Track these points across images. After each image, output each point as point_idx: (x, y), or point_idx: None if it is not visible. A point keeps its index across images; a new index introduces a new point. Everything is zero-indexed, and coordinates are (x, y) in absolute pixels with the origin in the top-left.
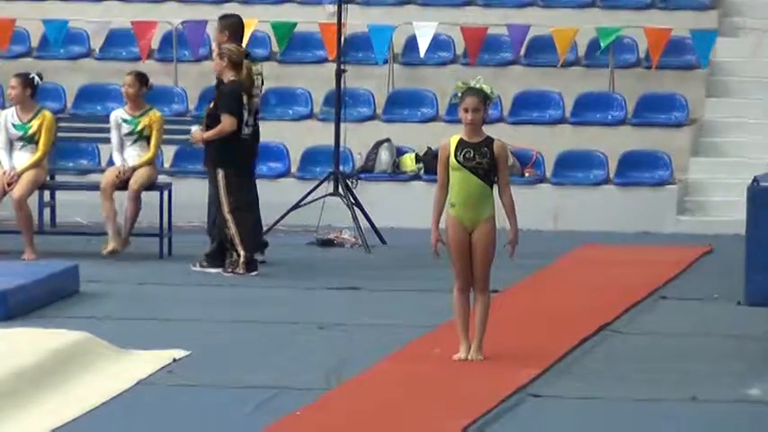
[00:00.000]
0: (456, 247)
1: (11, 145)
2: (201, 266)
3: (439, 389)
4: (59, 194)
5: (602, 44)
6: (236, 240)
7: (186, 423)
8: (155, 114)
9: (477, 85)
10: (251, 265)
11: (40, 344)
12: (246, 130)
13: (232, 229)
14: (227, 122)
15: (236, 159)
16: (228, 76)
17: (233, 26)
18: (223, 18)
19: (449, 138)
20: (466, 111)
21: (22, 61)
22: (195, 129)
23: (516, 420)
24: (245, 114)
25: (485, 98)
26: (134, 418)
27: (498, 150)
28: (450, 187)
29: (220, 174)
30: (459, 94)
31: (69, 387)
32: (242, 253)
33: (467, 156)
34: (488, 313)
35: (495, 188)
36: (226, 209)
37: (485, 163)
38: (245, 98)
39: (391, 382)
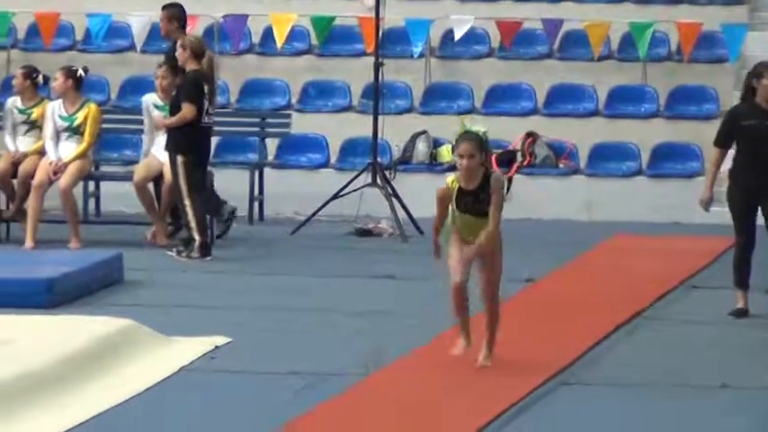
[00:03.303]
0: (458, 246)
1: (57, 136)
2: (179, 253)
3: (469, 380)
4: (104, 185)
5: (635, 39)
6: (192, 224)
7: (228, 408)
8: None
9: (473, 129)
10: (205, 250)
11: (85, 331)
12: (207, 119)
13: (189, 214)
14: (187, 110)
15: (195, 146)
16: (191, 66)
17: (179, 15)
18: (167, 7)
19: (447, 180)
20: (461, 156)
21: (67, 54)
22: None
23: (549, 408)
24: (206, 103)
25: (480, 143)
26: (177, 404)
27: (494, 185)
28: (451, 217)
29: (179, 159)
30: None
31: (114, 373)
32: (197, 238)
33: (467, 206)
34: (499, 320)
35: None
36: (184, 193)
37: (483, 207)
38: (206, 87)
39: (421, 372)
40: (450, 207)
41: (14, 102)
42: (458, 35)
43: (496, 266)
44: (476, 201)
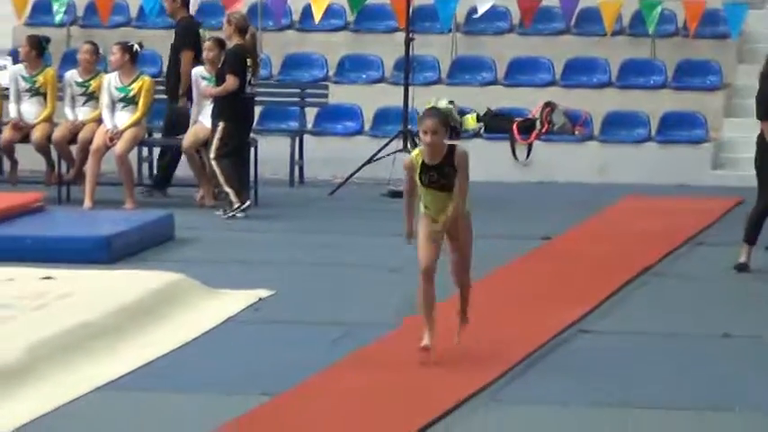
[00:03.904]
0: (427, 233)
1: (113, 106)
2: (224, 213)
3: (492, 325)
4: (156, 151)
5: (645, 16)
6: (225, 187)
7: (271, 356)
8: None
9: (439, 105)
10: (240, 205)
11: (139, 284)
12: (249, 90)
13: (219, 176)
14: (230, 81)
15: (237, 115)
16: (235, 40)
17: None
18: None
19: (413, 153)
20: (425, 133)
21: (123, 30)
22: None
23: (569, 350)
24: (249, 75)
25: (444, 119)
26: (224, 352)
27: (458, 160)
28: (420, 195)
29: (220, 125)
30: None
31: (166, 323)
32: (233, 198)
33: (431, 179)
34: (470, 296)
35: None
36: (212, 155)
37: (450, 180)
38: (248, 60)
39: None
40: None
41: (72, 75)
42: (481, 13)
43: (465, 247)
44: (441, 175)
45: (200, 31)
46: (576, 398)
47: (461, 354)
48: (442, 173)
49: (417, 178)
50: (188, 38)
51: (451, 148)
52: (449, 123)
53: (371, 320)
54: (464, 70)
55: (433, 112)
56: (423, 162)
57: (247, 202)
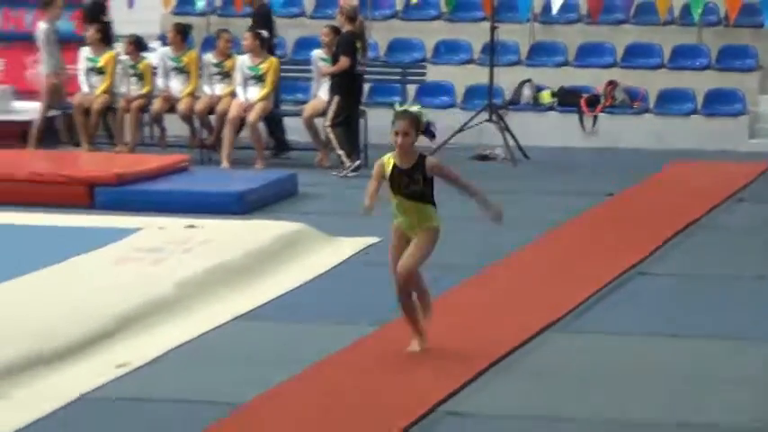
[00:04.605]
0: (394, 253)
1: (245, 83)
2: (340, 173)
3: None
4: (284, 120)
5: (692, 8)
6: (339, 150)
7: (377, 293)
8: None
9: (412, 110)
10: (351, 166)
11: (268, 232)
12: (359, 69)
13: (334, 142)
14: (343, 62)
15: (349, 90)
16: (347, 27)
17: None
18: None
19: (385, 157)
20: (396, 134)
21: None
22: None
23: (629, 290)
24: (358, 56)
25: (415, 121)
26: (338, 289)
27: (431, 170)
28: (392, 205)
29: (335, 99)
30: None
31: (290, 264)
32: (346, 161)
33: (401, 185)
34: (430, 308)
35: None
36: (328, 123)
37: (418, 188)
38: (358, 44)
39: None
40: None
41: (210, 57)
42: (555, 6)
43: (417, 251)
44: (411, 181)
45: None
46: (635, 329)
47: (544, 285)
48: (412, 178)
49: (388, 182)
50: (263, 22)
51: (422, 156)
52: (419, 126)
53: (460, 265)
54: (540, 53)
55: (405, 114)
56: (394, 165)
57: (357, 163)
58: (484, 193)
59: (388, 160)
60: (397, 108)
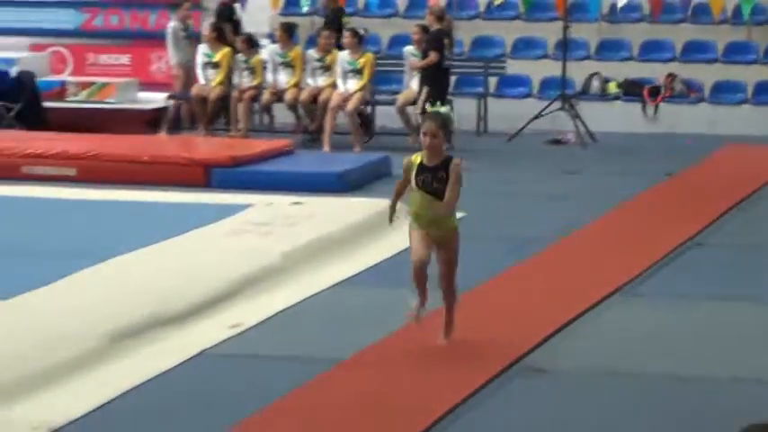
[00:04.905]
0: (419, 234)
1: (345, 75)
2: None
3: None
4: (379, 109)
5: (743, 9)
6: None
7: (462, 260)
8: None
9: (441, 110)
10: None
11: (365, 208)
12: (446, 63)
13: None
14: (432, 56)
15: (437, 81)
16: (435, 26)
17: None
18: None
19: (413, 156)
20: (425, 135)
21: (352, 19)
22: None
23: (687, 259)
24: (446, 51)
25: (443, 123)
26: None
27: (453, 168)
28: (410, 199)
29: (425, 89)
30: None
31: (384, 236)
32: None
33: (425, 181)
34: (455, 309)
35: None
36: (418, 110)
37: (441, 186)
38: (445, 41)
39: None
40: (411, 183)
41: (312, 53)
42: (620, 6)
43: (452, 258)
44: (434, 178)
45: (344, 17)
46: (692, 294)
47: (610, 255)
48: (436, 176)
49: (412, 177)
50: (335, 22)
51: (449, 157)
52: (448, 128)
53: (539, 236)
54: (607, 49)
55: (433, 116)
56: (420, 163)
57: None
58: (444, 205)
59: (416, 158)
60: (428, 110)
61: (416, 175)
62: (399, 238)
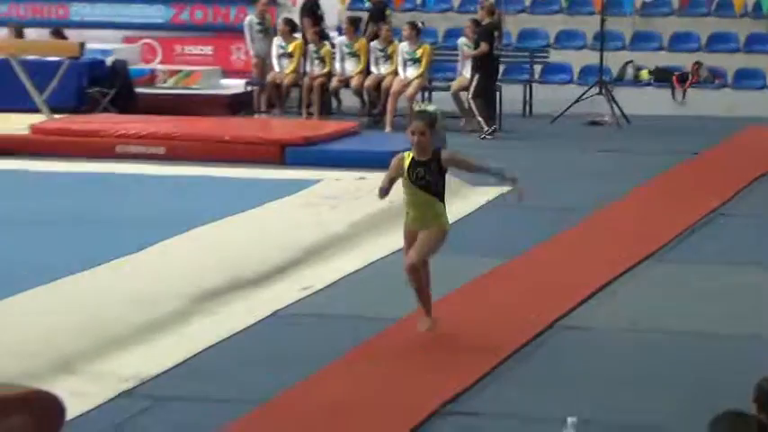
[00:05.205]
0: (408, 237)
1: (405, 64)
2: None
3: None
4: (435, 94)
5: (762, 4)
6: (479, 117)
7: (511, 227)
8: (485, 45)
9: (427, 109)
10: (489, 130)
11: None
12: (496, 52)
13: (475, 110)
14: (483, 47)
15: (488, 70)
16: (486, 19)
17: None
18: None
19: (404, 153)
20: (413, 133)
21: (411, 14)
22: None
23: (711, 229)
24: (496, 43)
25: (431, 122)
26: (480, 226)
27: (446, 162)
28: (403, 198)
29: (476, 77)
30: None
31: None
32: (484, 126)
33: (418, 175)
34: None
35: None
36: (471, 95)
37: (433, 179)
38: (495, 33)
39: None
40: (402, 179)
41: (375, 44)
42: (651, 2)
43: (426, 236)
44: (427, 171)
45: (388, 11)
46: (717, 259)
47: (643, 223)
48: (429, 170)
49: (405, 175)
50: (378, 16)
51: (437, 150)
52: (435, 125)
53: (577, 205)
54: (640, 40)
55: (421, 114)
56: (412, 158)
57: (493, 127)
58: (505, 171)
59: (407, 155)
60: (416, 108)
61: (409, 169)
62: (453, 210)
